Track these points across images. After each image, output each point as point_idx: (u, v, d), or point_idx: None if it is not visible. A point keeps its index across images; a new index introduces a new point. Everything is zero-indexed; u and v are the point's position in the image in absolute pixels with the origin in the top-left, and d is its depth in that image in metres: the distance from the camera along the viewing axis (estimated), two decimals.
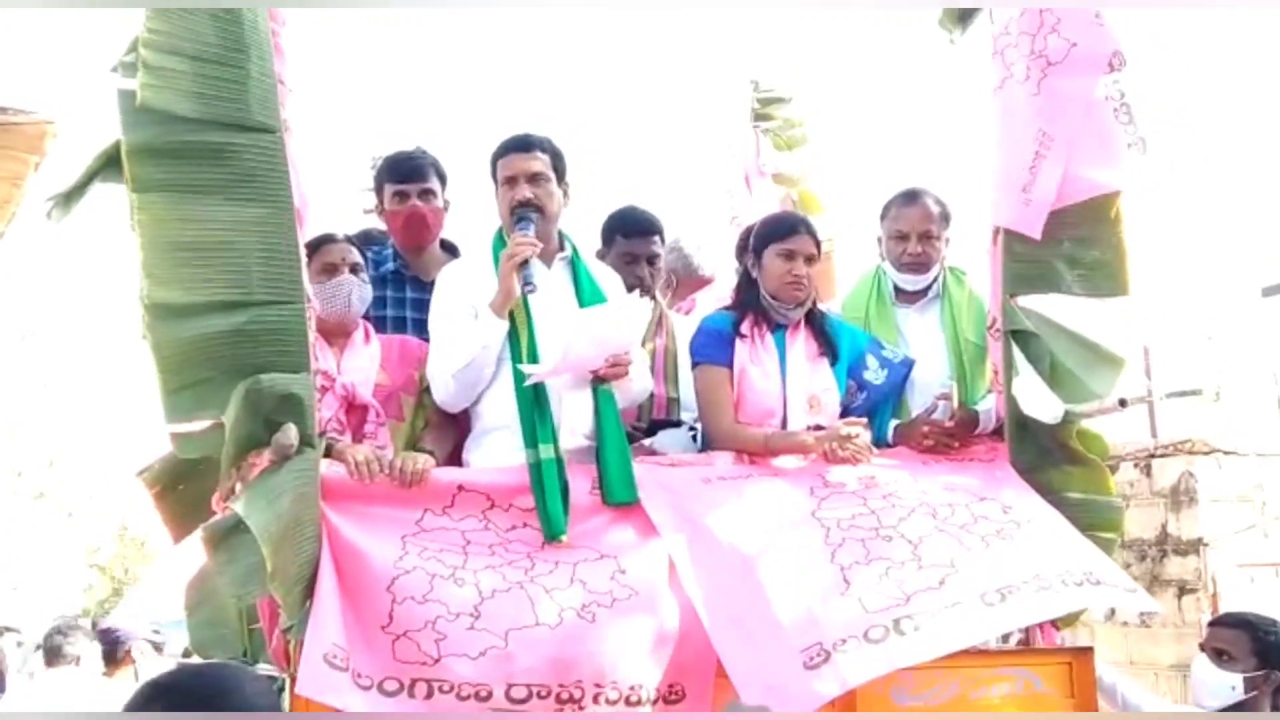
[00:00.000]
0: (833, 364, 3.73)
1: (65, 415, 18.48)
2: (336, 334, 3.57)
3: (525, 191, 3.52)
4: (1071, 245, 3.63)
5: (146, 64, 2.90)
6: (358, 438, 3.43)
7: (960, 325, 4.00)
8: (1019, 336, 3.60)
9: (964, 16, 3.87)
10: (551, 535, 3.21)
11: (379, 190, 4.20)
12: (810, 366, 3.70)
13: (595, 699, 2.94)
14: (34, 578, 17.66)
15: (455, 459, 3.54)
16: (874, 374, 3.82)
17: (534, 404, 3.37)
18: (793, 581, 3.14)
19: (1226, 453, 7.00)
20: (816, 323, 3.78)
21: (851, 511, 3.34)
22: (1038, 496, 3.53)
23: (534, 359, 3.41)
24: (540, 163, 3.56)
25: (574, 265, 3.64)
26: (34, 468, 18.77)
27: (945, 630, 2.99)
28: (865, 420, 3.60)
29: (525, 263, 3.41)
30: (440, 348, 3.53)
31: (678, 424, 3.95)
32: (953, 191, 4.09)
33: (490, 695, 2.90)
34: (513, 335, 3.45)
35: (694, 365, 3.74)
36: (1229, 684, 3.47)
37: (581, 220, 4.09)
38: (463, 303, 3.52)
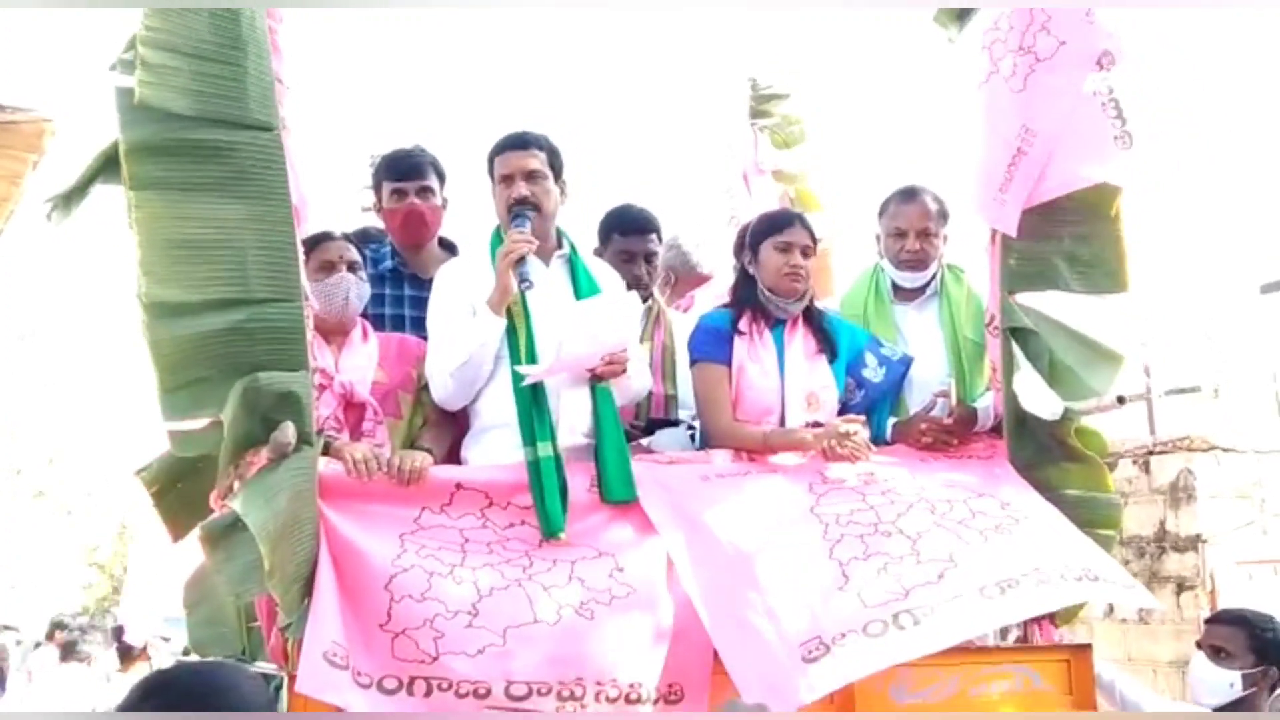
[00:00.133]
0: (831, 361, 3.73)
1: (64, 414, 18.48)
2: (335, 332, 3.56)
3: (522, 189, 3.52)
4: (1071, 242, 3.63)
5: (144, 61, 2.90)
6: (356, 436, 3.43)
7: (959, 323, 4.00)
8: (1018, 334, 3.60)
9: (962, 15, 3.87)
10: (550, 533, 3.21)
11: (377, 188, 4.20)
12: (809, 364, 3.70)
13: (597, 697, 2.94)
14: (33, 576, 17.65)
15: (453, 457, 3.53)
16: (872, 372, 3.82)
17: (532, 402, 3.37)
18: (791, 577, 3.15)
19: (1225, 450, 7.01)
20: (815, 320, 3.78)
21: (850, 507, 3.34)
22: (1036, 493, 3.53)
23: (532, 357, 3.41)
24: (537, 160, 3.57)
25: (572, 263, 3.64)
26: (33, 466, 18.77)
27: (944, 624, 2.99)
28: (864, 418, 3.60)
29: (522, 260, 3.42)
30: (438, 346, 3.53)
31: (676, 423, 3.95)
32: (950, 189, 4.09)
33: (489, 693, 2.90)
34: (511, 333, 3.45)
35: (692, 363, 3.74)
36: (1227, 681, 3.47)
37: (581, 218, 4.10)
38: (461, 300, 3.52)
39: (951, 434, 3.75)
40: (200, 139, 2.97)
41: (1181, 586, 6.89)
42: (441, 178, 4.17)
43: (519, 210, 3.51)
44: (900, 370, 3.86)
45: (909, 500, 3.38)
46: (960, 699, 3.21)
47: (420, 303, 3.82)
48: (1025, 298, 3.66)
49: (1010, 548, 3.24)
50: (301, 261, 3.12)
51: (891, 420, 3.86)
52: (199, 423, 3.10)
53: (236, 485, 2.94)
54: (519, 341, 3.44)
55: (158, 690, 1.81)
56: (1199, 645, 3.58)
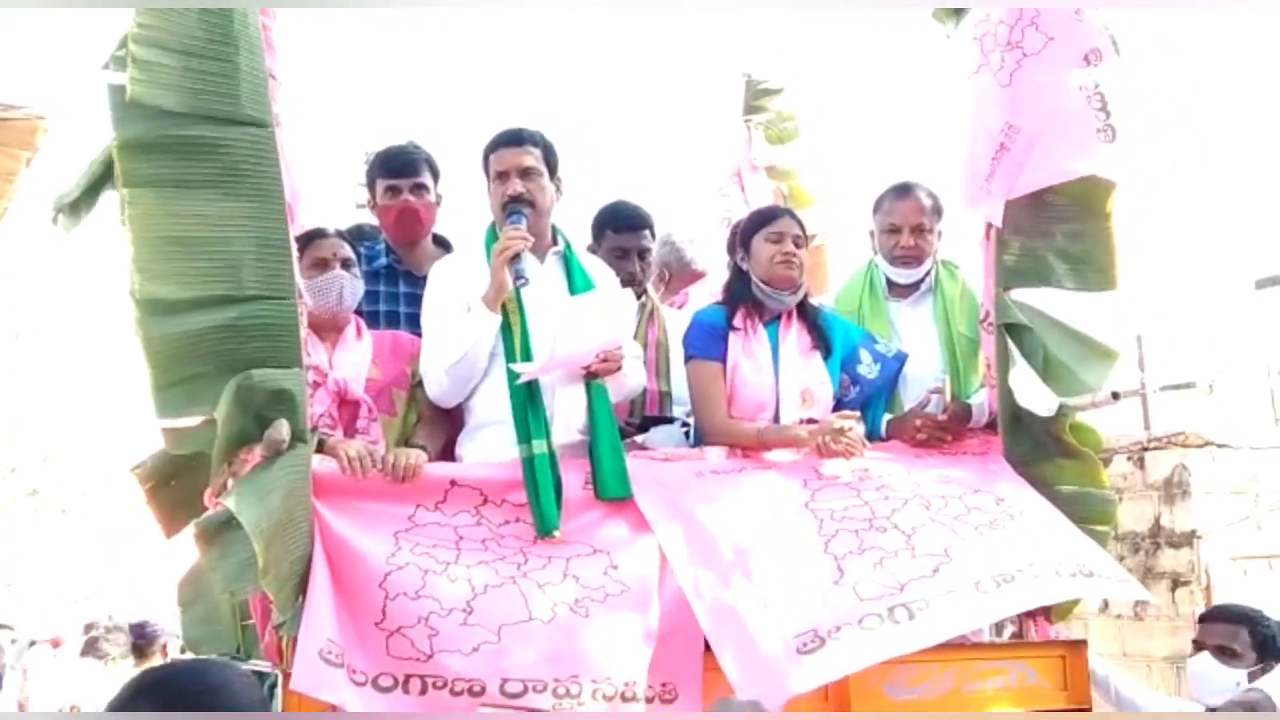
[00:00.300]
0: (826, 358, 3.73)
1: (60, 413, 18.45)
2: (328, 329, 3.55)
3: (517, 186, 3.52)
4: (1063, 239, 3.63)
5: (135, 59, 2.89)
6: (350, 433, 3.42)
7: (953, 319, 4.00)
8: (1012, 330, 3.60)
9: (959, 10, 3.88)
10: (544, 530, 3.21)
11: (371, 185, 4.19)
12: (803, 360, 3.70)
13: (593, 694, 2.94)
14: (28, 574, 17.63)
15: (448, 454, 3.53)
16: (867, 368, 3.81)
17: (527, 399, 3.36)
18: (786, 572, 3.15)
19: (1220, 445, 7.01)
20: (809, 316, 3.78)
21: (845, 503, 3.34)
22: (1031, 489, 3.54)
23: (527, 354, 3.41)
24: (532, 157, 3.56)
25: (567, 259, 3.63)
26: (28, 464, 18.74)
27: (939, 618, 2.99)
28: (858, 414, 3.60)
29: (518, 257, 3.41)
30: (433, 342, 3.53)
31: (670, 420, 3.94)
32: (944, 185, 4.09)
33: (484, 690, 2.90)
34: (505, 330, 3.44)
35: (687, 360, 3.74)
36: (1234, 680, 3.47)
37: (576, 215, 4.09)
38: (455, 297, 3.52)
39: (946, 430, 3.75)
40: (192, 136, 2.96)
41: (1176, 582, 6.90)
42: (435, 174, 4.16)
43: (514, 207, 3.51)
44: (895, 367, 3.86)
45: (904, 496, 3.38)
46: (955, 695, 3.21)
47: (414, 300, 3.81)
48: (1020, 294, 3.66)
49: (1005, 543, 3.24)
50: (295, 258, 3.11)
51: (886, 417, 3.85)
52: (193, 420, 3.09)
53: (230, 483, 2.94)
54: (514, 338, 3.43)
55: (149, 689, 1.80)
56: (1200, 645, 3.55)
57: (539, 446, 3.30)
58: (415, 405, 3.59)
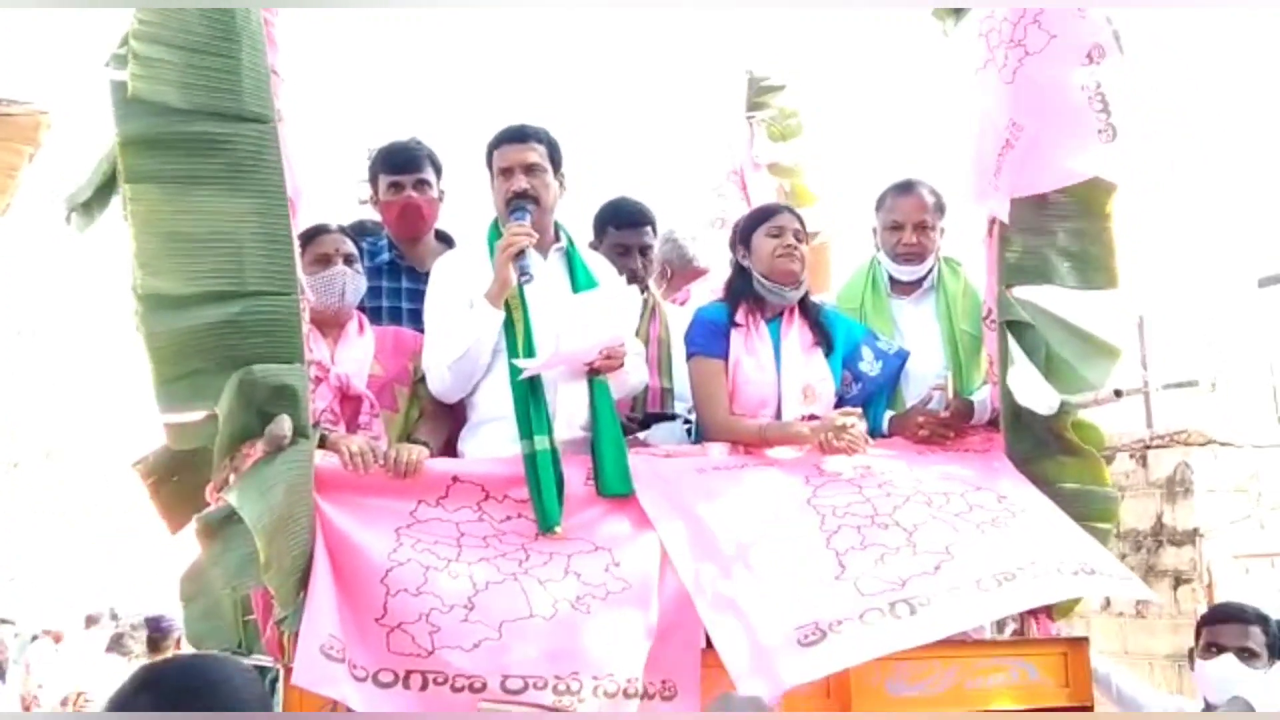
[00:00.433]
0: (827, 354, 3.73)
1: (62, 408, 18.48)
2: (331, 325, 3.56)
3: (521, 182, 3.52)
4: (1065, 237, 3.64)
5: (136, 55, 2.89)
6: (352, 429, 3.42)
7: (955, 316, 4.00)
8: (1014, 327, 3.60)
9: (959, 11, 3.88)
10: (546, 527, 3.20)
11: (374, 180, 4.19)
12: (805, 357, 3.69)
13: (594, 691, 2.93)
14: (30, 569, 17.66)
15: (450, 450, 3.53)
16: (869, 365, 3.81)
17: (529, 395, 3.36)
18: (788, 567, 3.15)
19: (1222, 444, 7.01)
20: (811, 313, 3.78)
21: (847, 499, 3.34)
22: (1033, 487, 3.54)
23: (530, 350, 3.41)
24: (536, 154, 3.56)
25: (569, 256, 3.63)
26: (31, 460, 18.77)
27: (940, 615, 2.99)
28: (860, 410, 3.60)
29: (521, 253, 3.41)
30: (435, 338, 3.53)
31: (672, 417, 3.94)
32: (947, 183, 4.09)
33: (484, 687, 2.89)
34: (508, 326, 3.44)
35: (689, 357, 3.74)
36: (1257, 680, 3.44)
37: (578, 212, 4.09)
38: (458, 293, 3.52)
39: (948, 427, 3.75)
40: (195, 131, 2.96)
41: (1178, 580, 6.89)
42: (438, 170, 4.16)
43: (518, 204, 3.51)
44: (896, 364, 3.86)
45: (906, 493, 3.38)
46: (957, 692, 3.21)
47: (417, 295, 3.81)
48: (1022, 291, 3.66)
49: (1007, 541, 3.24)
50: (297, 254, 3.11)
51: (888, 414, 3.85)
52: (195, 415, 3.09)
53: (232, 478, 2.94)
54: (517, 334, 3.43)
55: (150, 684, 1.80)
56: (1219, 647, 3.41)
57: (541, 443, 3.30)
58: (417, 401, 3.59)
